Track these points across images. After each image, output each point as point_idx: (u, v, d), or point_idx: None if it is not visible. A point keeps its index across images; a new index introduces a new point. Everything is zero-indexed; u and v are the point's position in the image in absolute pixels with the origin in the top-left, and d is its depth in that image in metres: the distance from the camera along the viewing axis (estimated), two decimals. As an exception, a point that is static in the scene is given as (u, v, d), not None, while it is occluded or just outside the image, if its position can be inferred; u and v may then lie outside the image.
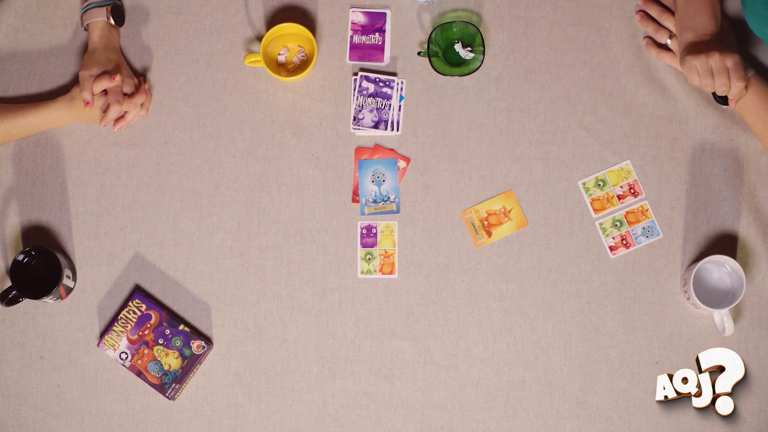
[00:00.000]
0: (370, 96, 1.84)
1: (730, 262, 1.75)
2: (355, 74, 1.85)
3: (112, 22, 1.82)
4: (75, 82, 1.86)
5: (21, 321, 1.81)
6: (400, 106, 1.84)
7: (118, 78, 1.77)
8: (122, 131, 1.85)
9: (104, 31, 1.82)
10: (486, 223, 1.81)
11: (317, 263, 1.82)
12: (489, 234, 1.81)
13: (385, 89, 1.84)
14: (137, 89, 1.83)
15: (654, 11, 1.84)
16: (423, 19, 1.87)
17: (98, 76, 1.78)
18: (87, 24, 1.83)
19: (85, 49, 1.86)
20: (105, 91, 1.79)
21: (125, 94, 1.81)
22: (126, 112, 1.82)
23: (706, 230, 1.82)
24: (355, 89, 1.84)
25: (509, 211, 1.82)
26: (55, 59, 1.87)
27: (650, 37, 1.85)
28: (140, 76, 1.86)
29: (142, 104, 1.83)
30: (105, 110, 1.79)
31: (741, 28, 1.85)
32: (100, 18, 1.81)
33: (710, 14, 1.74)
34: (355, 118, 1.83)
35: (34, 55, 1.88)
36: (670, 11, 1.84)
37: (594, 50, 1.86)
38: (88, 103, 1.76)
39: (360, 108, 1.83)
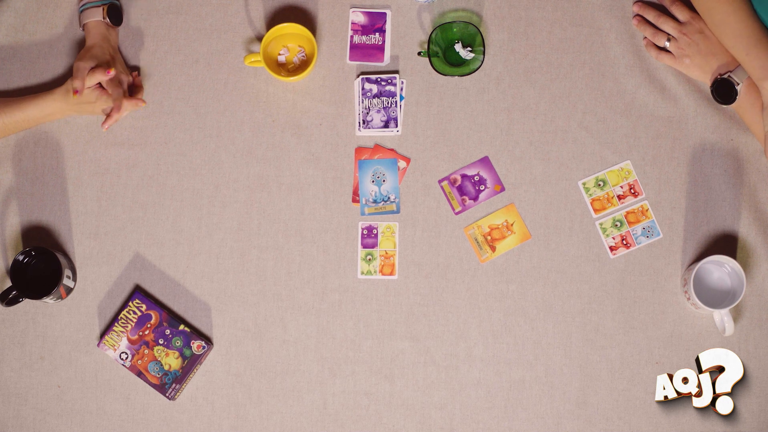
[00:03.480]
0: (374, 97, 1.84)
1: (730, 262, 1.75)
2: (357, 77, 1.86)
3: (109, 21, 1.82)
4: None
5: (21, 321, 1.81)
6: (400, 106, 1.84)
7: (112, 72, 1.77)
8: (122, 131, 1.85)
9: (101, 30, 1.82)
10: (489, 237, 1.81)
11: (317, 263, 1.82)
12: (493, 249, 1.81)
13: (388, 87, 1.84)
14: (133, 85, 1.84)
15: (650, 15, 1.85)
16: (423, 19, 1.87)
17: (93, 69, 1.78)
18: (84, 24, 1.83)
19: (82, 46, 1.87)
20: (99, 85, 1.79)
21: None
22: (113, 110, 1.81)
23: (706, 230, 1.82)
24: (358, 93, 1.84)
25: (511, 225, 1.82)
26: (55, 59, 1.87)
27: (650, 38, 1.86)
28: (134, 71, 1.86)
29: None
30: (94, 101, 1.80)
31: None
32: (96, 18, 1.81)
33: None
34: (364, 122, 1.83)
35: (34, 55, 1.88)
36: (666, 14, 1.84)
37: (594, 50, 1.86)
38: (77, 91, 1.76)
39: (367, 111, 1.83)
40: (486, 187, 1.82)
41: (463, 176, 1.83)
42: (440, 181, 1.83)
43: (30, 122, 1.81)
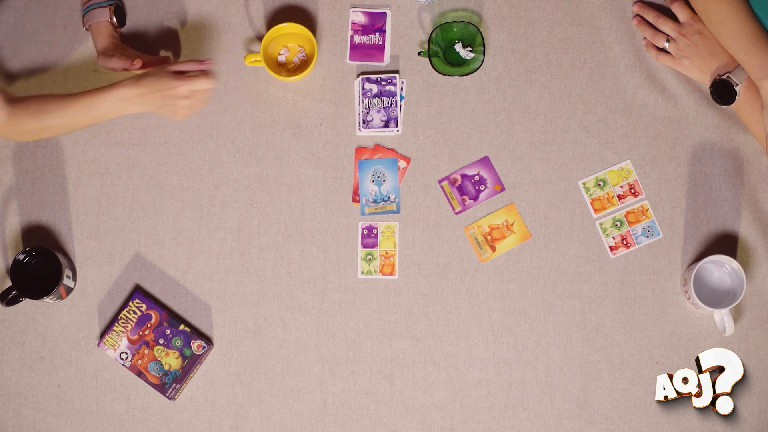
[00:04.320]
0: (374, 97, 1.84)
1: (731, 262, 1.75)
2: (357, 77, 1.86)
3: (116, 22, 1.82)
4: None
5: (21, 321, 1.81)
6: (401, 106, 1.84)
7: (138, 62, 1.75)
8: (122, 131, 1.84)
9: (108, 30, 1.82)
10: (489, 237, 1.81)
11: (317, 263, 1.82)
12: (493, 249, 1.81)
13: (388, 87, 1.84)
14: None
15: (650, 16, 1.85)
16: (423, 19, 1.87)
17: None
18: (89, 25, 1.82)
19: (86, 48, 1.87)
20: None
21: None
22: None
23: (706, 230, 1.82)
24: (358, 93, 1.84)
25: (512, 224, 1.82)
26: (55, 59, 1.87)
27: (650, 38, 1.86)
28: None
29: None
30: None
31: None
32: (102, 18, 1.81)
33: None
34: (364, 121, 1.83)
35: (35, 55, 1.88)
36: (666, 14, 1.84)
37: (594, 50, 1.86)
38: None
39: (367, 110, 1.83)
40: (486, 187, 1.82)
41: (463, 176, 1.83)
42: (440, 181, 1.83)
43: (101, 118, 1.73)
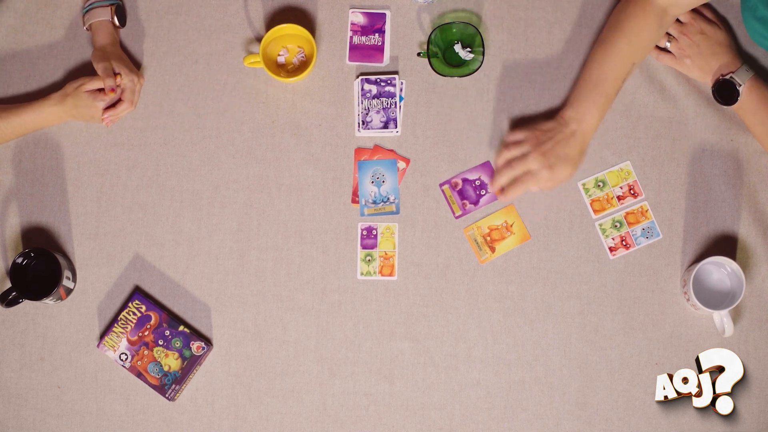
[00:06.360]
0: (374, 98, 1.84)
1: (730, 263, 1.75)
2: (356, 78, 1.86)
3: (116, 22, 1.82)
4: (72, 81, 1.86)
5: (21, 322, 1.82)
6: (400, 107, 1.84)
7: (117, 92, 1.79)
8: (122, 132, 1.85)
9: (108, 29, 1.82)
10: (489, 238, 1.81)
11: (317, 264, 1.82)
12: (492, 250, 1.81)
13: (387, 88, 1.84)
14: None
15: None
16: (422, 19, 1.87)
17: (97, 79, 1.78)
18: (90, 24, 1.82)
19: (86, 49, 1.87)
20: (100, 90, 1.80)
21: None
22: (118, 102, 1.83)
23: (705, 231, 1.82)
24: (357, 94, 1.84)
25: (511, 225, 1.81)
26: (55, 60, 1.87)
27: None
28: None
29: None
30: (107, 108, 1.81)
31: (743, 34, 1.85)
32: (104, 18, 1.81)
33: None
34: (363, 122, 1.83)
35: (34, 55, 1.88)
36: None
37: (594, 50, 1.86)
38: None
39: (366, 111, 1.83)
40: (487, 192, 1.82)
41: (464, 180, 1.82)
42: (441, 185, 1.83)
43: (26, 128, 1.81)
